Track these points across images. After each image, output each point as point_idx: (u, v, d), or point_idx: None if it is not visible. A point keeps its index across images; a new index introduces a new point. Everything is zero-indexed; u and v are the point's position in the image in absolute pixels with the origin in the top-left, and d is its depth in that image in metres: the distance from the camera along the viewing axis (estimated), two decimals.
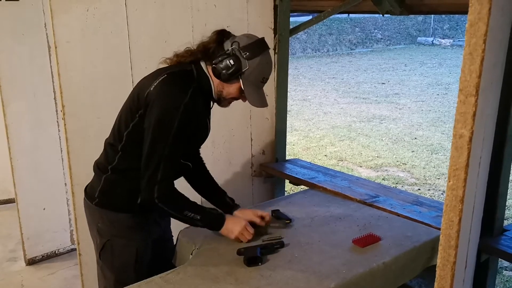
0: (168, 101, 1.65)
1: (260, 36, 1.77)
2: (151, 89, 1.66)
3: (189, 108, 1.65)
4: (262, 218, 1.96)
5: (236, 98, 1.81)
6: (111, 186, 1.80)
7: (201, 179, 2.04)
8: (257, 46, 1.72)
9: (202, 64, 1.77)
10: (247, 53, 1.69)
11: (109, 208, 1.81)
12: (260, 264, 1.72)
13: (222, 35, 1.75)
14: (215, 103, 1.87)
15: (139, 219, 1.82)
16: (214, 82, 1.76)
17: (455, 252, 0.86)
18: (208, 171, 2.07)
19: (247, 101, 1.78)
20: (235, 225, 1.85)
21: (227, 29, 1.77)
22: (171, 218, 2.04)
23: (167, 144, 1.63)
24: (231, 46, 1.69)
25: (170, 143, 1.63)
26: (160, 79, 1.68)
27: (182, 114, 1.63)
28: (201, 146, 1.97)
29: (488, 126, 1.27)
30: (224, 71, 1.69)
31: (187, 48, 1.79)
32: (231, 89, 1.76)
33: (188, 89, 1.67)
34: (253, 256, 1.73)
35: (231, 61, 1.68)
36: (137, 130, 1.71)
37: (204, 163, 2.07)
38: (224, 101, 1.82)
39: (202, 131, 1.84)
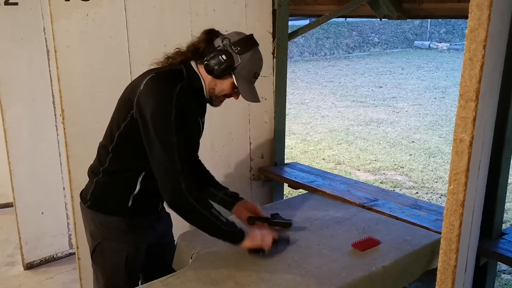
0: (160, 94, 1.64)
1: (258, 40, 1.77)
2: (141, 88, 1.66)
3: (180, 98, 1.64)
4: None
5: (228, 96, 1.80)
6: (102, 189, 1.80)
7: (204, 180, 2.03)
8: (248, 41, 1.73)
9: (192, 63, 1.76)
10: (239, 48, 1.69)
11: (101, 210, 1.81)
12: (261, 254, 1.74)
13: (211, 34, 1.75)
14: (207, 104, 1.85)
15: (131, 222, 1.81)
16: (206, 80, 1.75)
17: (456, 256, 0.87)
18: (208, 171, 2.06)
19: (239, 98, 1.78)
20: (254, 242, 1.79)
21: (225, 33, 1.77)
22: (173, 222, 2.04)
23: (173, 131, 1.61)
24: (222, 43, 1.70)
25: (175, 131, 1.61)
26: (148, 77, 1.68)
27: (176, 102, 1.62)
28: (199, 149, 1.97)
29: (487, 130, 1.28)
30: (216, 67, 1.69)
31: (177, 49, 1.79)
32: (224, 85, 1.75)
33: (178, 84, 1.67)
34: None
35: (224, 57, 1.68)
36: (128, 130, 1.70)
37: (203, 166, 2.06)
38: (216, 100, 1.81)
39: (193, 129, 1.82)
